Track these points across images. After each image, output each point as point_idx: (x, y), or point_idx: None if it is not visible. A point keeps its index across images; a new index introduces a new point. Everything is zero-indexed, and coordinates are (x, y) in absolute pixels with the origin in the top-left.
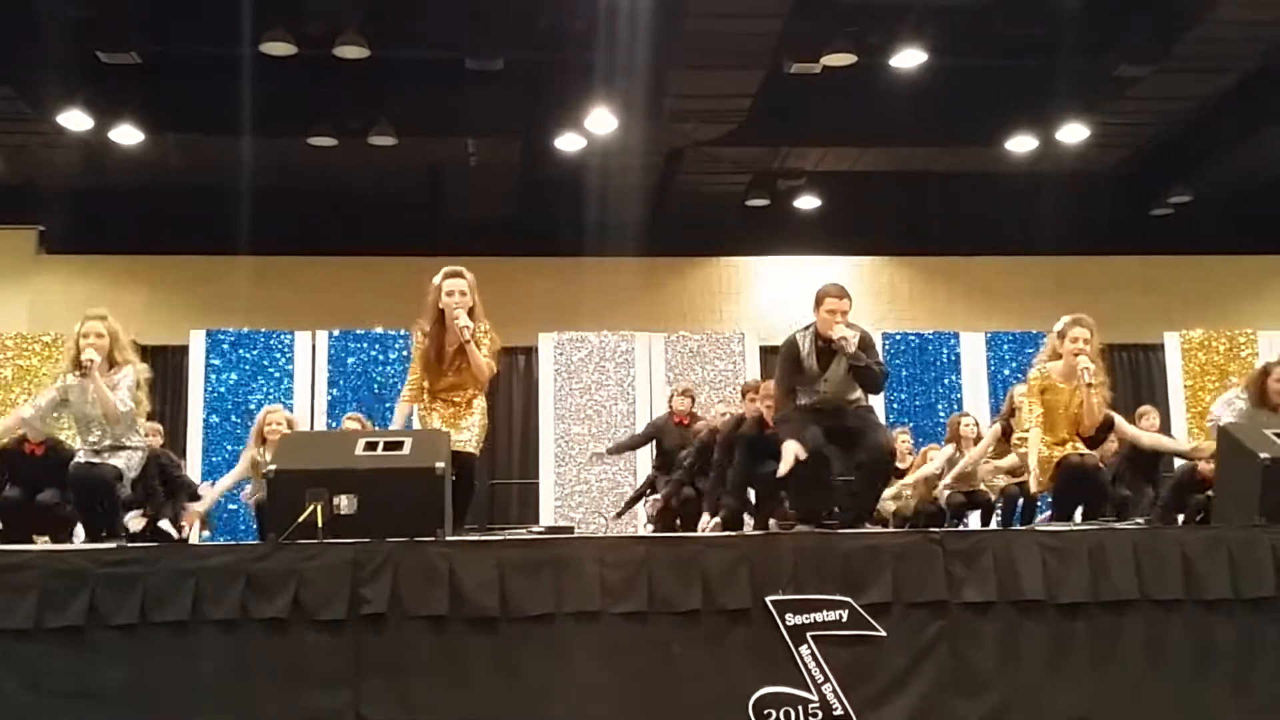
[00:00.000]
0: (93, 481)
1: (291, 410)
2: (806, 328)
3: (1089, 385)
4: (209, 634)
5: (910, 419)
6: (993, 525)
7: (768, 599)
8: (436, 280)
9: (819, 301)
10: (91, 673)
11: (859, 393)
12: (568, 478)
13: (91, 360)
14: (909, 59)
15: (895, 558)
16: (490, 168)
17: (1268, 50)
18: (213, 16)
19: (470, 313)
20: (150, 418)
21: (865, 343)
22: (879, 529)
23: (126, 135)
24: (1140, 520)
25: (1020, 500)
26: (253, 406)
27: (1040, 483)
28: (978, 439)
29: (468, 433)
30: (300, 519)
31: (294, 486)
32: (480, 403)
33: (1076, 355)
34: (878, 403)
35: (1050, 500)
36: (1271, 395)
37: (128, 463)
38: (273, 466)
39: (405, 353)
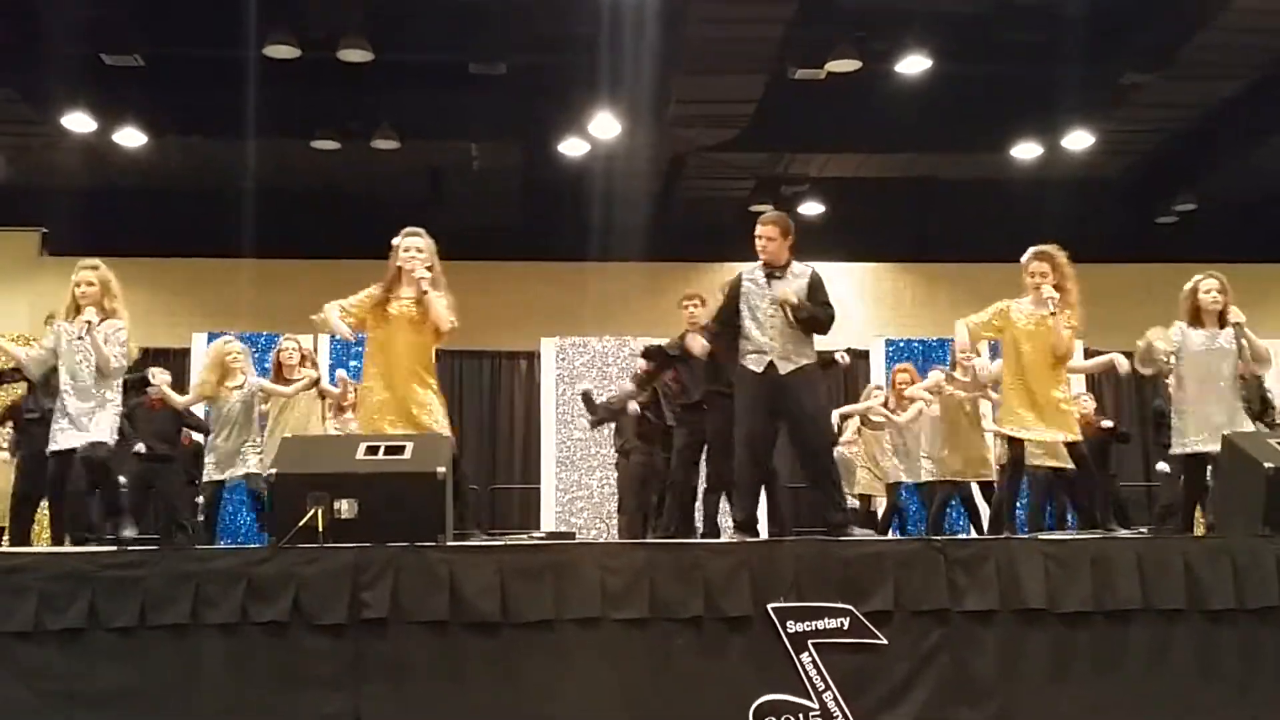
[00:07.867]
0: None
1: None
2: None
3: (1052, 314)
4: (209, 637)
5: None
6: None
7: (769, 606)
8: (395, 241)
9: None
10: (91, 675)
11: (807, 344)
12: (569, 483)
13: (90, 322)
14: (913, 65)
15: (897, 565)
16: (493, 172)
17: (1273, 58)
18: (216, 19)
19: (432, 280)
20: None
21: (814, 282)
22: (881, 537)
23: (129, 137)
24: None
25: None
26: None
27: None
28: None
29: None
30: (301, 523)
31: (295, 490)
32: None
33: (1038, 287)
34: None
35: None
36: (1206, 306)
37: (108, 428)
38: (274, 470)
39: None
